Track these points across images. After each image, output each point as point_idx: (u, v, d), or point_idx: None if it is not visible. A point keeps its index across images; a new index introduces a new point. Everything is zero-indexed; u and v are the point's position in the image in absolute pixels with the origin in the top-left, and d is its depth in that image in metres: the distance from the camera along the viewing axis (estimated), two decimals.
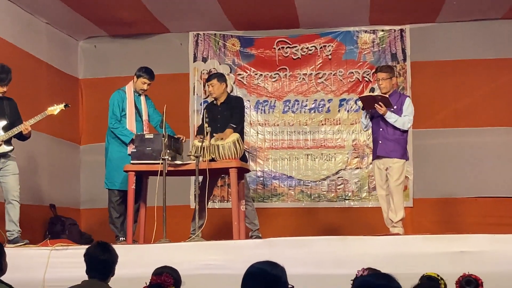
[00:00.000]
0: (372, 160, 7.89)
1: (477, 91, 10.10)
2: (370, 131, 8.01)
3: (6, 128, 7.28)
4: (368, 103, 7.60)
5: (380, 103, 7.45)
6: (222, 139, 7.49)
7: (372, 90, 7.89)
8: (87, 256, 4.80)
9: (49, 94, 9.71)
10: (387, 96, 7.51)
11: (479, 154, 9.99)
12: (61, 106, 7.60)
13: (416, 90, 10.13)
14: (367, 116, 7.73)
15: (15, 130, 7.27)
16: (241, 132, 7.94)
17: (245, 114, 8.63)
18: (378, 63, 10.28)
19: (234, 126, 7.76)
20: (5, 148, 7.26)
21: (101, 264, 4.74)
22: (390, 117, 7.52)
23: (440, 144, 10.11)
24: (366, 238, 7.04)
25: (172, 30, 10.65)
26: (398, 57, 10.34)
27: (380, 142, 7.60)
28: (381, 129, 7.62)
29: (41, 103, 9.12)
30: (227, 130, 7.63)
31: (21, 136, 7.40)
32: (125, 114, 8.03)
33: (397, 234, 7.37)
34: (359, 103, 7.65)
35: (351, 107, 10.38)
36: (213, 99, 8.24)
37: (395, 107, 7.58)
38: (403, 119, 7.57)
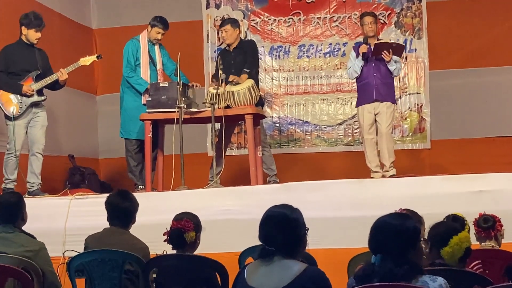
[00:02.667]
0: (360, 105, 7.86)
1: (494, 29, 9.94)
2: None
3: (38, 78, 7.31)
4: (378, 50, 7.66)
5: (387, 50, 7.56)
6: (237, 83, 7.47)
7: (365, 40, 7.86)
8: (108, 204, 4.86)
9: (63, 44, 9.71)
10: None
11: (497, 93, 9.89)
12: (94, 57, 7.70)
13: (432, 31, 10.01)
14: (359, 65, 7.77)
15: (49, 79, 7.32)
16: (256, 78, 7.91)
17: (259, 58, 8.58)
18: (393, 4, 10.15)
19: (248, 70, 7.73)
20: (38, 98, 7.30)
21: (122, 212, 4.81)
22: (392, 64, 7.69)
23: (457, 85, 10.01)
24: (384, 180, 7.07)
25: None
26: None
27: (375, 87, 7.68)
28: (374, 74, 7.71)
29: (55, 54, 9.13)
30: (242, 76, 7.60)
31: (55, 85, 7.45)
32: (140, 64, 8.01)
33: (393, 175, 7.47)
34: (360, 51, 7.63)
35: None
36: (226, 45, 8.19)
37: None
38: (398, 65, 7.80)
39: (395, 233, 3.18)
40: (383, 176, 7.52)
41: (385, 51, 7.59)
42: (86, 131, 10.51)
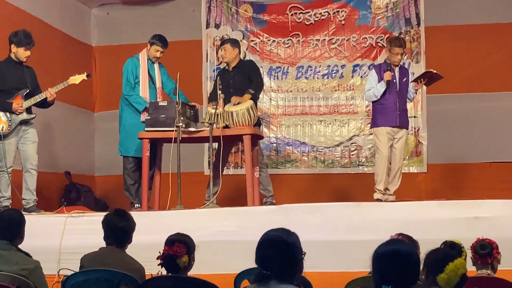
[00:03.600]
0: (378, 126, 7.81)
1: (491, 55, 10.01)
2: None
3: (27, 96, 7.31)
4: (423, 77, 7.76)
5: (424, 78, 7.70)
6: (239, 103, 7.49)
7: (389, 66, 7.81)
8: (105, 223, 4.84)
9: (63, 61, 9.74)
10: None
11: (493, 119, 9.94)
12: (83, 75, 7.66)
13: (430, 55, 10.07)
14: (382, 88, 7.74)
15: (38, 97, 7.32)
16: (256, 99, 7.93)
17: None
18: (392, 28, 10.23)
19: (253, 92, 7.75)
20: (27, 115, 7.31)
21: (119, 231, 4.79)
22: (410, 91, 7.84)
23: (454, 109, 10.06)
24: (380, 204, 7.07)
25: None
26: (412, 22, 10.26)
27: (399, 113, 7.70)
28: (398, 100, 7.72)
29: (54, 70, 9.17)
30: (245, 96, 7.63)
31: (43, 103, 7.45)
32: (139, 82, 8.03)
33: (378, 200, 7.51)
34: (385, 78, 7.60)
35: (365, 72, 10.32)
36: (225, 64, 8.23)
37: (404, 79, 7.81)
38: (414, 93, 7.93)
39: (408, 263, 3.16)
40: (385, 200, 7.53)
41: (420, 79, 7.72)
42: (83, 148, 10.51)
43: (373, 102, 7.89)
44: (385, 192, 7.66)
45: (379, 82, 7.72)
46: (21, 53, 7.31)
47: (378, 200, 7.51)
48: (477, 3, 10.05)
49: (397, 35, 10.01)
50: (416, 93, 7.94)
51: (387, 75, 7.64)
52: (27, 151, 7.32)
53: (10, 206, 7.00)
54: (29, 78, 7.41)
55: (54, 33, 9.76)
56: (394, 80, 7.72)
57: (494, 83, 9.94)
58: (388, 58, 7.84)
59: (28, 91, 7.33)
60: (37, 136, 7.43)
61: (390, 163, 7.79)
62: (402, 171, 9.69)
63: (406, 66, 9.85)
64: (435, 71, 7.68)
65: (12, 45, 7.31)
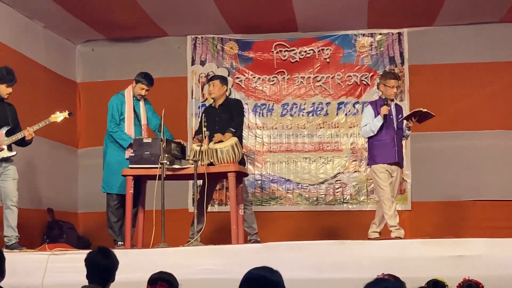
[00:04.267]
0: (376, 163, 7.70)
1: (475, 94, 10.10)
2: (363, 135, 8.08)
3: (8, 133, 7.28)
4: (410, 115, 7.72)
5: (415, 117, 7.67)
6: (221, 141, 7.48)
7: (386, 101, 7.81)
8: (88, 261, 4.78)
9: (47, 97, 9.73)
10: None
11: (477, 157, 9.99)
12: (65, 114, 7.62)
13: (414, 93, 10.15)
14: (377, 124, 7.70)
15: (18, 136, 7.29)
16: (240, 136, 7.94)
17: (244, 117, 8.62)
18: (376, 66, 10.32)
19: (234, 130, 7.75)
20: (8, 153, 7.27)
21: (102, 270, 4.72)
22: (408, 129, 7.81)
23: (438, 147, 10.12)
24: (364, 242, 7.04)
25: (170, 34, 10.65)
26: (396, 60, 10.36)
27: (397, 149, 7.66)
28: (395, 136, 7.67)
29: (39, 106, 9.15)
30: (226, 134, 7.63)
31: (23, 142, 7.41)
32: (124, 118, 8.02)
33: (398, 238, 7.38)
34: (382, 112, 7.58)
35: (349, 110, 10.39)
36: (212, 101, 8.24)
37: (400, 115, 7.80)
38: (409, 130, 7.86)
39: None
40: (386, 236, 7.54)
41: (412, 118, 7.67)
42: (67, 184, 10.45)
43: (369, 138, 7.76)
44: (399, 226, 7.61)
45: (375, 117, 7.67)
46: (3, 90, 7.29)
47: (398, 237, 7.43)
48: (460, 43, 10.18)
49: (381, 73, 10.10)
50: (410, 131, 7.84)
51: (384, 109, 7.59)
52: (7, 187, 7.26)
53: None
54: (10, 115, 7.38)
55: (39, 69, 9.76)
56: (391, 116, 7.67)
57: (477, 122, 10.02)
58: (383, 93, 7.76)
59: (8, 128, 7.30)
60: (17, 173, 7.38)
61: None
62: None
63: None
64: (425, 110, 7.63)
65: None
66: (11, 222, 7.23)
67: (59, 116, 7.59)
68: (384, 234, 7.77)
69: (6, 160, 7.29)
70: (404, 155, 8.06)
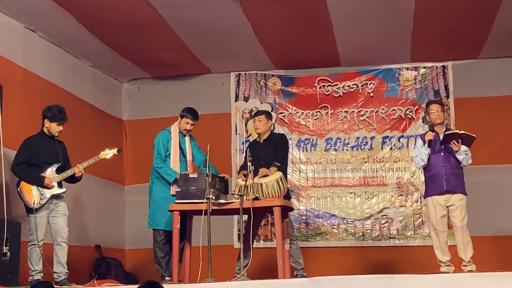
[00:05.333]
0: (429, 196, 7.60)
1: None
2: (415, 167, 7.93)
3: (58, 171, 7.40)
4: (447, 140, 7.46)
5: (456, 140, 7.37)
6: (266, 175, 7.50)
7: (432, 127, 7.74)
8: None
9: (94, 135, 9.88)
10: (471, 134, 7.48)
11: None
12: (114, 150, 7.74)
13: (460, 126, 9.97)
14: (427, 153, 7.56)
15: (69, 172, 7.40)
16: (285, 170, 7.94)
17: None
18: (420, 100, 10.29)
19: (279, 164, 7.76)
20: (58, 190, 7.38)
21: None
22: (460, 153, 7.46)
23: (485, 181, 9.97)
24: (413, 277, 6.94)
25: (213, 71, 10.79)
26: (441, 93, 10.31)
27: (446, 177, 7.46)
28: (444, 164, 7.49)
29: (86, 144, 9.30)
30: (271, 168, 7.64)
31: (72, 179, 7.52)
32: (170, 154, 8.09)
33: (472, 271, 7.27)
34: (426, 138, 7.45)
35: (394, 144, 10.35)
36: (256, 136, 8.27)
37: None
38: (467, 156, 7.52)
39: None
40: (460, 271, 7.38)
41: (453, 141, 7.37)
42: (114, 221, 10.55)
43: (424, 170, 7.72)
44: (449, 263, 7.48)
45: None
46: (54, 128, 7.43)
47: (444, 272, 7.33)
48: (506, 75, 10.10)
49: (425, 107, 10.05)
50: (467, 155, 7.50)
51: (429, 135, 7.52)
52: (58, 224, 7.35)
53: (41, 280, 7.00)
54: (61, 152, 7.50)
55: (86, 107, 9.94)
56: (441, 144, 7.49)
57: None
58: (430, 121, 7.72)
59: (59, 165, 7.42)
60: (67, 209, 7.48)
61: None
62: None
63: None
64: (461, 131, 7.48)
65: (46, 120, 7.42)
66: (60, 259, 7.29)
67: (108, 153, 7.71)
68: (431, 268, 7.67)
69: (57, 197, 7.39)
70: (462, 181, 7.62)
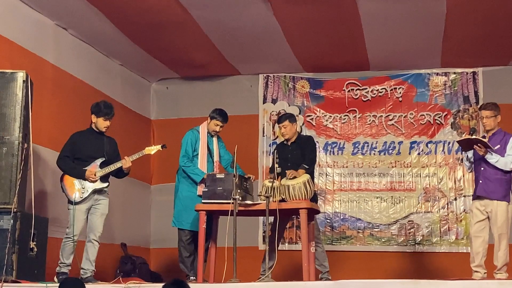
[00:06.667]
0: (472, 200, 7.51)
1: None
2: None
3: (103, 165, 7.41)
4: (467, 145, 7.35)
5: (479, 144, 7.20)
6: (294, 177, 7.48)
7: (473, 130, 7.68)
8: None
9: (123, 133, 9.88)
10: (485, 138, 7.30)
11: None
12: (158, 146, 7.77)
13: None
14: (469, 157, 7.43)
15: (113, 166, 7.42)
16: (312, 173, 7.92)
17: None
18: (450, 105, 10.23)
19: (307, 166, 7.74)
20: (100, 184, 7.40)
21: None
22: (490, 158, 7.21)
23: None
24: (439, 282, 6.89)
25: (242, 72, 10.80)
26: (470, 99, 10.24)
27: (480, 181, 7.30)
28: (482, 169, 7.30)
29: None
30: (299, 170, 7.63)
31: (119, 173, 7.55)
32: (197, 154, 8.11)
33: (501, 279, 7.07)
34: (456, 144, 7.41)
35: (422, 149, 10.29)
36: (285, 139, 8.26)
37: (498, 146, 7.28)
38: (506, 159, 7.21)
39: None
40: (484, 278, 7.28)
41: (476, 146, 7.19)
42: (139, 220, 10.59)
43: None
44: (481, 271, 7.37)
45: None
46: (101, 123, 7.47)
47: (470, 278, 7.23)
48: None
49: (455, 112, 10.03)
50: (502, 159, 7.15)
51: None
52: (94, 221, 7.36)
53: (68, 274, 7.04)
54: (108, 147, 7.51)
55: (115, 105, 9.92)
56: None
57: None
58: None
59: (103, 160, 7.44)
60: (107, 208, 7.48)
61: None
62: (461, 251, 9.50)
63: None
64: (474, 137, 7.31)
65: (93, 115, 7.48)
66: (90, 256, 7.32)
67: (153, 149, 7.73)
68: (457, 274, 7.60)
69: (100, 192, 7.41)
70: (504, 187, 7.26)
